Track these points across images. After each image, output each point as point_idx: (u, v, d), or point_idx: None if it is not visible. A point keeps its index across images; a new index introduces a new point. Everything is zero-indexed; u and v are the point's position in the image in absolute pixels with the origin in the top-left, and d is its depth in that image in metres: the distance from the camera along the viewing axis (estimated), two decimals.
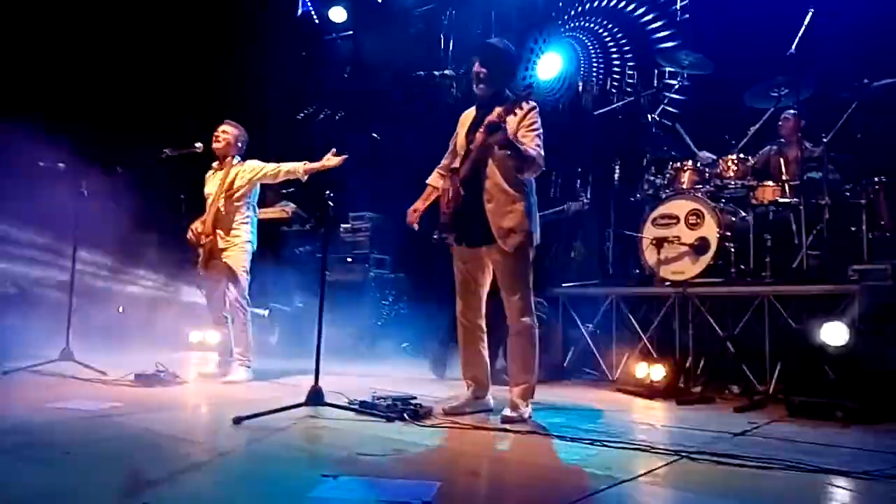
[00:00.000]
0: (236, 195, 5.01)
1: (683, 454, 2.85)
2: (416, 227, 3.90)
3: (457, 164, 3.77)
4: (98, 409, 3.66)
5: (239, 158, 5.13)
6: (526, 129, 3.58)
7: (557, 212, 6.10)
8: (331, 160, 4.74)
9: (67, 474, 2.48)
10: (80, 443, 2.92)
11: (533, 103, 3.62)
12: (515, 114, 3.46)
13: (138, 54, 7.43)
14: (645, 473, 2.60)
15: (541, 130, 3.62)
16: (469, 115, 3.87)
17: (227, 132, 5.09)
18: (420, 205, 3.96)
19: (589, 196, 7.60)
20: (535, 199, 3.75)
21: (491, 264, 3.74)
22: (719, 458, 2.78)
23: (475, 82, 3.68)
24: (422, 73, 3.51)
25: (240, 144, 5.15)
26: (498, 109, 3.40)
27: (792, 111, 5.61)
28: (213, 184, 5.12)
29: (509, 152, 3.47)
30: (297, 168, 4.95)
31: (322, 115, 8.41)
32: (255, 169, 5.05)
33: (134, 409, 3.71)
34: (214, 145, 5.09)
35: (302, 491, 2.28)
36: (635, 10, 7.55)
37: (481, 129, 3.49)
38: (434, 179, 4.00)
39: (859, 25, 5.49)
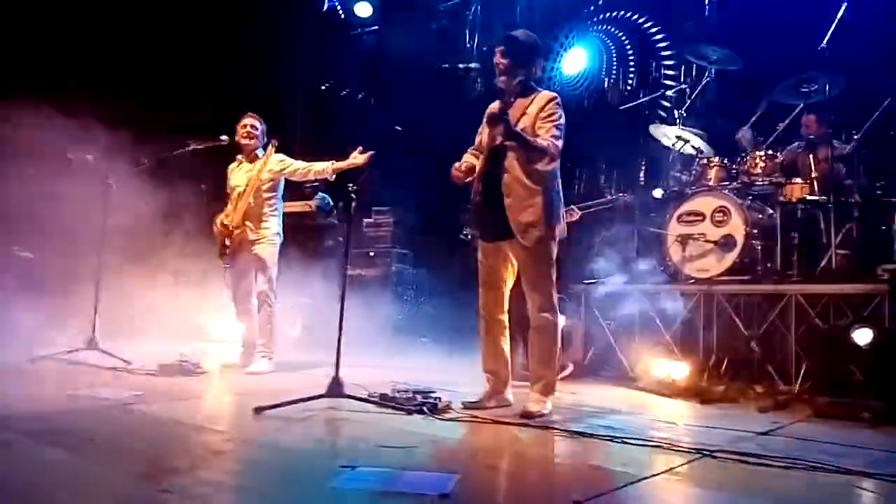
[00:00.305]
0: (265, 187, 5.06)
1: (705, 452, 2.82)
2: (460, 181, 3.75)
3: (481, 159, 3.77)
4: (121, 397, 3.70)
5: (263, 151, 5.17)
6: (543, 120, 3.57)
7: (607, 202, 5.97)
8: (358, 158, 4.74)
9: (90, 461, 2.52)
10: (104, 430, 2.95)
11: (553, 94, 3.62)
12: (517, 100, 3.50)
13: (163, 46, 7.49)
14: (665, 471, 2.57)
15: (560, 122, 3.59)
16: (494, 108, 3.82)
17: (255, 126, 5.15)
18: (462, 165, 3.77)
19: (614, 192, 7.56)
20: (559, 192, 3.73)
21: (513, 258, 3.72)
22: (741, 457, 2.74)
23: (497, 73, 3.67)
24: (446, 65, 3.49)
25: (263, 137, 5.22)
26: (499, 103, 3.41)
27: (813, 115, 5.50)
28: (238, 176, 5.16)
29: (515, 143, 3.46)
30: (326, 168, 4.99)
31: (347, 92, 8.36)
32: (282, 162, 5.10)
33: (156, 398, 3.75)
34: (243, 141, 5.13)
35: (321, 481, 2.29)
36: (663, 6, 7.46)
37: (487, 118, 3.54)
38: (466, 157, 3.87)
39: (893, 19, 5.36)
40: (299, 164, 5.11)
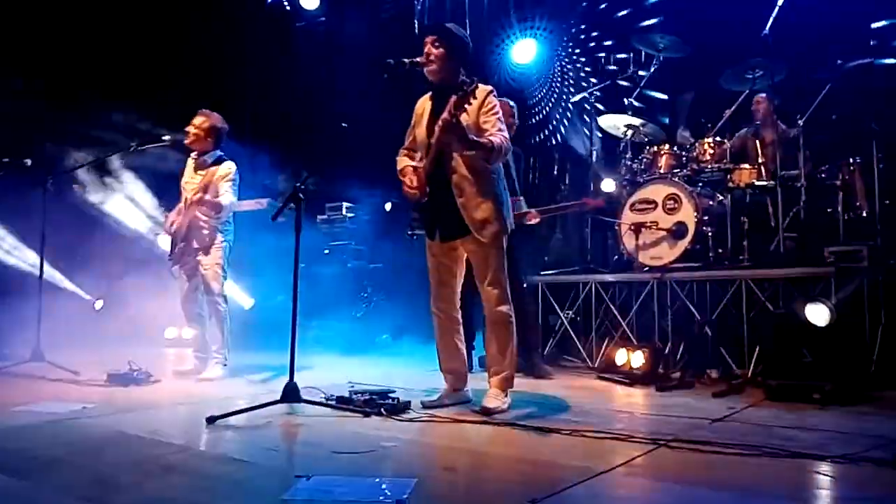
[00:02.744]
0: (209, 195, 4.87)
1: (661, 442, 2.84)
2: (420, 197, 3.59)
3: (419, 158, 3.66)
4: (68, 410, 3.59)
5: (219, 153, 4.97)
6: (486, 115, 3.50)
7: (566, 207, 5.73)
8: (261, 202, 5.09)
9: (31, 482, 2.41)
10: (47, 447, 2.83)
11: (489, 87, 3.55)
12: (470, 102, 3.30)
13: (106, 45, 7.25)
14: (622, 464, 2.57)
15: (501, 113, 3.55)
16: (424, 104, 3.72)
17: (196, 124, 4.91)
18: (413, 181, 3.61)
19: (567, 182, 7.59)
20: (505, 183, 3.70)
21: (465, 255, 3.69)
22: (697, 446, 2.77)
23: (426, 64, 3.51)
24: (391, 60, 3.39)
25: (212, 137, 4.94)
26: (451, 102, 3.26)
27: (763, 94, 5.61)
28: (188, 175, 4.99)
29: (474, 152, 3.40)
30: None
31: None
32: (221, 179, 4.90)
33: (105, 409, 3.64)
34: (186, 140, 4.94)
35: (274, 492, 2.23)
36: None
37: (439, 125, 3.38)
38: (402, 160, 3.76)
39: (832, 6, 5.46)
40: (223, 195, 4.86)
